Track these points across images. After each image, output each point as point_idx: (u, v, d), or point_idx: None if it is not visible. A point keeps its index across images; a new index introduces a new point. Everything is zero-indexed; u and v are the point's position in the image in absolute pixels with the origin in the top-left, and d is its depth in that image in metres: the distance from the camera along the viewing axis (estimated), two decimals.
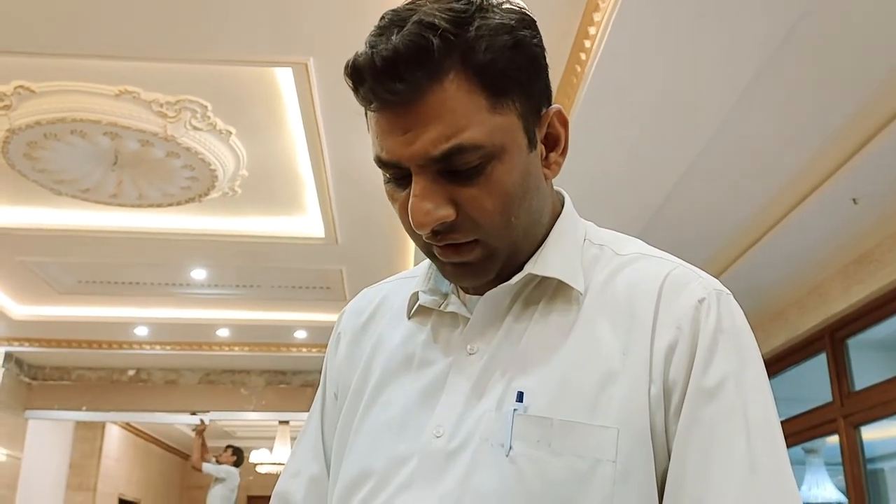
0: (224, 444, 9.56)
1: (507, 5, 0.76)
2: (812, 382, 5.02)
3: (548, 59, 0.80)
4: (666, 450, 0.74)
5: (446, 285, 0.88)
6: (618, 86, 2.90)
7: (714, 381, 0.74)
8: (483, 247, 0.78)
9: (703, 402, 0.74)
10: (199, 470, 7.50)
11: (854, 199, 3.62)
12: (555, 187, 0.89)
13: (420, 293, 0.87)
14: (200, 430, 7.74)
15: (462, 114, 0.72)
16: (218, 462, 7.68)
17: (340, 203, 4.41)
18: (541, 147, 0.80)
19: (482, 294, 0.82)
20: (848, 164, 3.35)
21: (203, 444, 7.63)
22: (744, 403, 0.74)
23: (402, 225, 0.81)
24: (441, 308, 0.85)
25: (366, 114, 0.78)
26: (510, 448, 0.74)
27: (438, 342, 0.85)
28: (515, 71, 0.75)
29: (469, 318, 0.83)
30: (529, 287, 0.83)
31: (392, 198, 0.80)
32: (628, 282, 0.81)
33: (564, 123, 0.82)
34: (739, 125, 3.16)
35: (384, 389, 0.85)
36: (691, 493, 0.72)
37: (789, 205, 3.80)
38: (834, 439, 4.83)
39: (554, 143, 0.82)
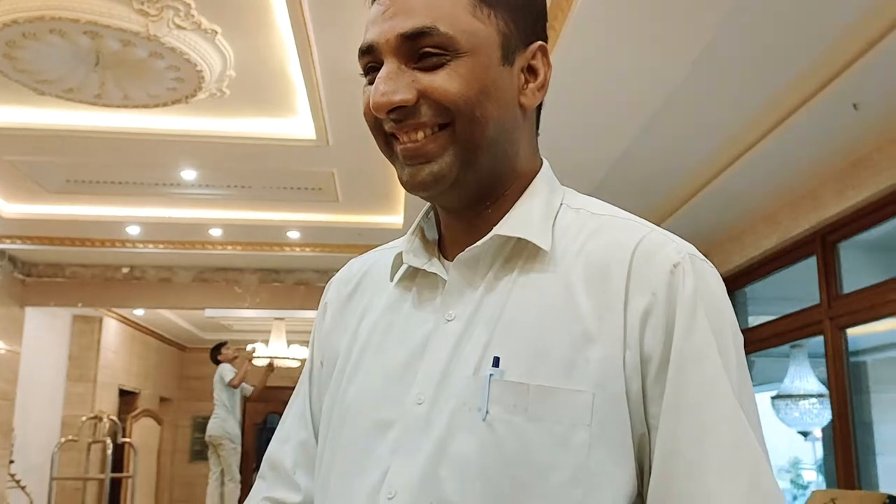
0: (223, 338, 9.83)
1: None
2: (801, 284, 5.08)
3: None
4: (641, 415, 0.75)
5: (429, 251, 0.87)
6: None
7: (697, 348, 0.75)
8: (447, 137, 0.78)
9: (689, 367, 0.74)
10: (235, 387, 7.93)
11: (855, 105, 3.56)
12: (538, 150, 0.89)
13: (403, 253, 0.87)
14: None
15: (441, 7, 0.77)
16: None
17: (331, 104, 4.31)
18: (521, 75, 0.83)
19: None
20: (850, 69, 3.27)
21: (246, 372, 8.11)
22: (726, 369, 0.75)
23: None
24: (423, 267, 0.85)
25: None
26: (486, 412, 0.74)
27: (419, 309, 0.85)
28: None
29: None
30: (505, 249, 0.82)
31: (364, 98, 0.81)
32: (603, 244, 0.80)
33: (547, 62, 0.86)
34: (737, 30, 3.06)
35: (368, 356, 0.86)
36: (688, 457, 0.72)
37: (789, 109, 3.72)
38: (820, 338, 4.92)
39: (534, 76, 0.85)
